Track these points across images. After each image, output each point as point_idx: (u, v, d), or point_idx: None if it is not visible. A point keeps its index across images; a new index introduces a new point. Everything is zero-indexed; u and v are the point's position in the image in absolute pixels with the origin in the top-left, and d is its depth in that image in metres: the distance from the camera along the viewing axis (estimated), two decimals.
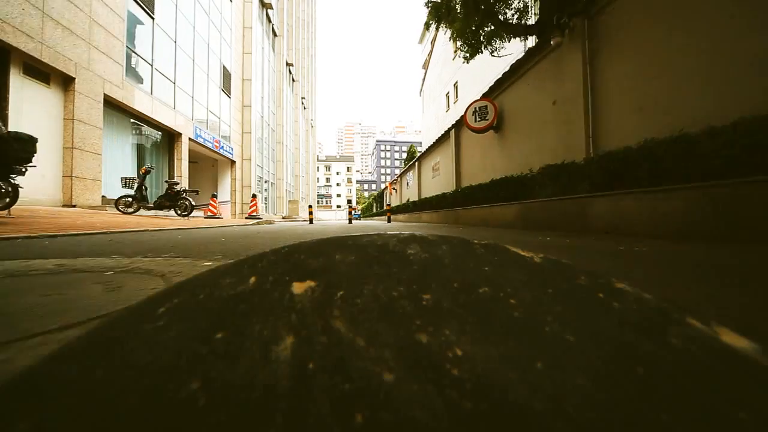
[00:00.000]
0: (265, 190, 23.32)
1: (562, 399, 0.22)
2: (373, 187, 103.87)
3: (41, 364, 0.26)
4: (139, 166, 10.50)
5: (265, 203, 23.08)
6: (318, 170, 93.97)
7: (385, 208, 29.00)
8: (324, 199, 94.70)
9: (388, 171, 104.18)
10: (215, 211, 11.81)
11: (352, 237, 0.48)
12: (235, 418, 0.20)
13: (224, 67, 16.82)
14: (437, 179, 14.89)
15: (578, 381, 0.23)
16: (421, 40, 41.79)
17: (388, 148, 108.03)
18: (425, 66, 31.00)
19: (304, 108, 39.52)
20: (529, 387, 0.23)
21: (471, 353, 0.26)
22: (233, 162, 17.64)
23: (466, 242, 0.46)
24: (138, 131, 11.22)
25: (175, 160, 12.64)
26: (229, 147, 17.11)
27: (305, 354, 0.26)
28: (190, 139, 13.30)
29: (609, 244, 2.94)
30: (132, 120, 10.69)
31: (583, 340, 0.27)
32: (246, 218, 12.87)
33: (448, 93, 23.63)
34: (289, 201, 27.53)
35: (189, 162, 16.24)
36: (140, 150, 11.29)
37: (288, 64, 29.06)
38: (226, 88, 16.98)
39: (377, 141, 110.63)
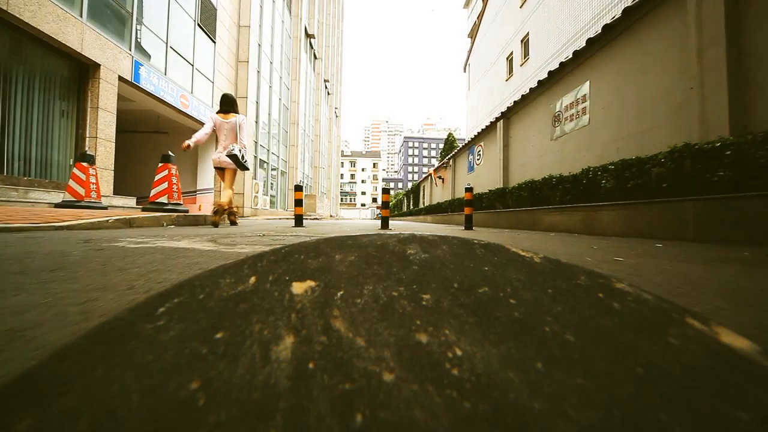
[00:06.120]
0: (272, 178, 18.55)
1: (562, 399, 0.22)
2: (399, 185, 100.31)
3: (41, 364, 0.26)
4: None
5: (272, 196, 18.62)
6: (342, 166, 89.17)
7: (422, 205, 22.56)
8: (348, 197, 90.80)
9: (416, 169, 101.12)
10: (80, 191, 5.27)
11: (352, 237, 0.48)
12: (235, 418, 0.20)
13: None
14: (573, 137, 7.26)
15: (578, 381, 0.23)
16: (467, 4, 34.42)
17: (416, 145, 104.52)
18: (472, 34, 25.95)
19: (328, 93, 34.42)
20: (529, 387, 0.23)
21: (471, 353, 0.26)
22: None
23: (466, 242, 0.46)
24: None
25: (87, 110, 7.13)
26: (211, 113, 11.07)
27: (305, 354, 0.26)
28: (122, 79, 7.82)
29: None
30: None
31: (583, 340, 0.27)
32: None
33: (510, 55, 18.34)
34: (306, 195, 23.37)
35: (155, 132, 11.68)
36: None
37: (308, 35, 24.37)
38: (208, 27, 11.84)
39: (405, 138, 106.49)
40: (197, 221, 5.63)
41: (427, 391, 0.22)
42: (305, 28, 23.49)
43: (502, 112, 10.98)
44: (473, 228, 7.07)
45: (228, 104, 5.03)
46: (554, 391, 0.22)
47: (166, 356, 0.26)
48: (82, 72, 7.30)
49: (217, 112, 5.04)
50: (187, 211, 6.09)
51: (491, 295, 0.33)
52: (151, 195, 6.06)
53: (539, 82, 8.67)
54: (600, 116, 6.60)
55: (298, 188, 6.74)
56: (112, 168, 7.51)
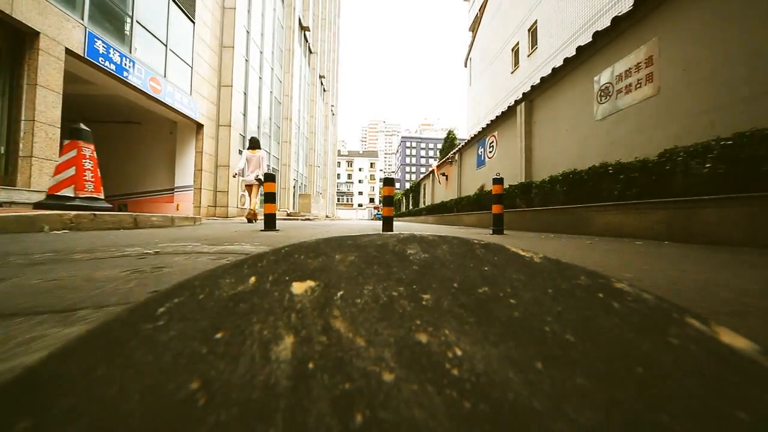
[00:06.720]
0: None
1: (562, 399, 0.22)
2: (397, 186, 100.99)
3: (41, 364, 0.26)
4: None
5: (261, 196, 19.13)
6: (339, 165, 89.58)
7: (422, 204, 21.58)
8: (345, 197, 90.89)
9: (413, 169, 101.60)
10: None
11: (352, 237, 0.48)
12: (235, 418, 0.20)
13: None
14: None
15: (578, 381, 0.23)
16: None
17: (414, 145, 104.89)
18: (474, 27, 25.27)
19: (324, 90, 33.85)
20: (529, 387, 0.23)
21: (471, 353, 0.26)
22: (199, 126, 11.21)
23: (466, 242, 0.46)
24: None
25: (23, 88, 5.85)
26: (190, 101, 10.48)
27: (305, 354, 0.26)
28: (71, 53, 6.57)
29: None
30: None
31: (583, 340, 0.27)
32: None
33: (515, 46, 17.58)
34: (300, 195, 22.23)
35: (126, 122, 10.78)
36: None
37: (303, 27, 23.44)
38: (185, 4, 10.43)
39: (402, 138, 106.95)
40: (121, 223, 3.67)
41: (427, 391, 0.22)
42: (299, 19, 22.50)
43: (524, 94, 9.14)
44: (504, 232, 5.26)
45: (255, 144, 7.83)
46: (554, 391, 0.22)
47: (166, 356, 0.26)
48: (17, 42, 5.87)
49: (247, 149, 7.84)
50: (110, 209, 4.30)
51: (491, 294, 0.33)
52: (50, 186, 4.18)
53: (578, 48, 6.66)
54: (677, 82, 4.94)
55: (269, 178, 5.06)
56: (57, 159, 6.23)
